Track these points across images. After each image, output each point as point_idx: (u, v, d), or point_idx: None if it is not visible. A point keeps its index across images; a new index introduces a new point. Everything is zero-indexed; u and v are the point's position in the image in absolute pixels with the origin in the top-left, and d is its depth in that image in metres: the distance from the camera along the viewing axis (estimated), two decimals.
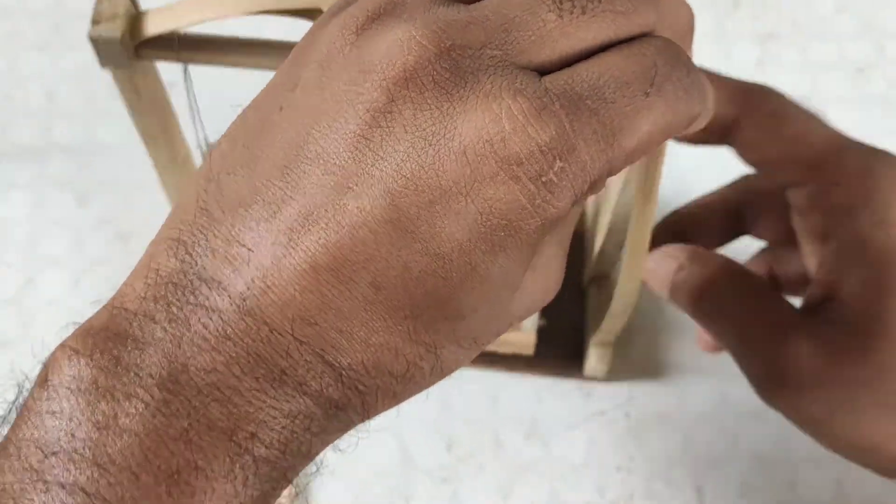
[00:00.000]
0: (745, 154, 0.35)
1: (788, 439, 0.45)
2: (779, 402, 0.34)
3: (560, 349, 0.46)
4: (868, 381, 0.32)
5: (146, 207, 0.51)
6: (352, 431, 0.24)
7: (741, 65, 0.56)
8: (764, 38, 0.57)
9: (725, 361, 0.37)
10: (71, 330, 0.23)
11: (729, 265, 0.36)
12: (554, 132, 0.20)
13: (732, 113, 0.34)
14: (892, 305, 0.32)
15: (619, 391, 0.46)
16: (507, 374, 0.46)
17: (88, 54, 0.55)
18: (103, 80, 0.55)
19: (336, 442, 0.24)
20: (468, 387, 0.46)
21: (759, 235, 0.40)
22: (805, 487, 0.44)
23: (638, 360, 0.47)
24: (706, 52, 0.56)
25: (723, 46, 0.57)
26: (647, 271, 0.37)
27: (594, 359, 0.45)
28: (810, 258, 0.35)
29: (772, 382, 0.34)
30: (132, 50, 0.34)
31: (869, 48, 0.57)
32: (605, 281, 0.45)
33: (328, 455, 0.45)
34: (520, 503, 0.44)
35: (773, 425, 0.45)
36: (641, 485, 0.44)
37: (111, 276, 0.49)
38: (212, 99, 0.40)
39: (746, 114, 0.34)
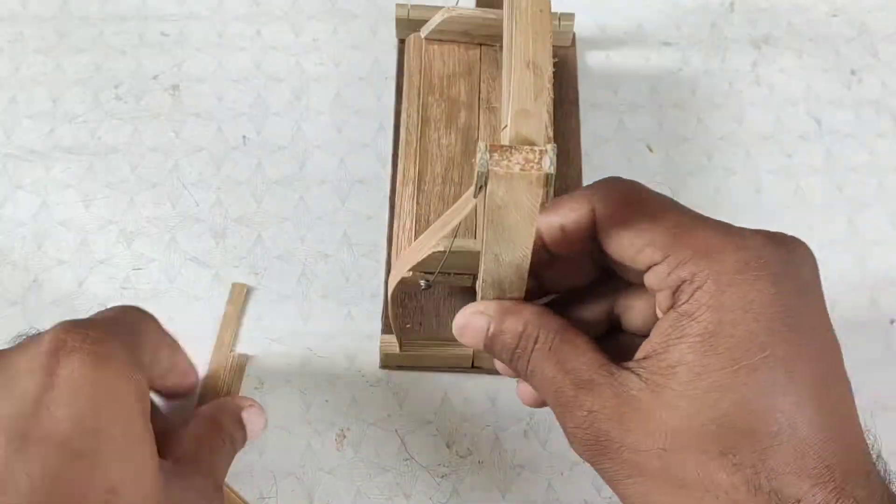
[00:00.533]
0: (610, 248, 0.35)
1: None
2: (583, 456, 0.35)
3: None
4: (658, 452, 0.32)
5: (151, 208, 0.51)
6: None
7: (737, 68, 0.57)
8: (759, 42, 0.58)
9: None
10: None
11: (541, 319, 0.36)
12: None
13: (587, 215, 0.35)
14: (701, 384, 0.32)
15: None
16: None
17: (92, 57, 0.56)
18: (107, 83, 0.56)
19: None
20: (468, 385, 0.47)
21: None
22: None
23: None
24: (702, 57, 0.57)
25: (718, 50, 0.58)
26: (458, 327, 0.37)
27: None
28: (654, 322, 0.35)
29: (576, 441, 0.34)
30: None
31: (863, 51, 0.58)
32: None
33: (329, 454, 0.46)
34: (518, 500, 0.44)
35: None
36: None
37: (116, 276, 0.49)
38: None
39: (602, 209, 0.35)
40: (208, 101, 0.55)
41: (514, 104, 0.30)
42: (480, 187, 0.30)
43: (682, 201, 0.35)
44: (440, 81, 0.50)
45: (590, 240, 0.36)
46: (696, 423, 0.31)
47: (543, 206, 0.32)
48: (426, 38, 0.51)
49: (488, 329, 0.36)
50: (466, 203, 0.32)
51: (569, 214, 0.35)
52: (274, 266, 0.50)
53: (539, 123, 0.30)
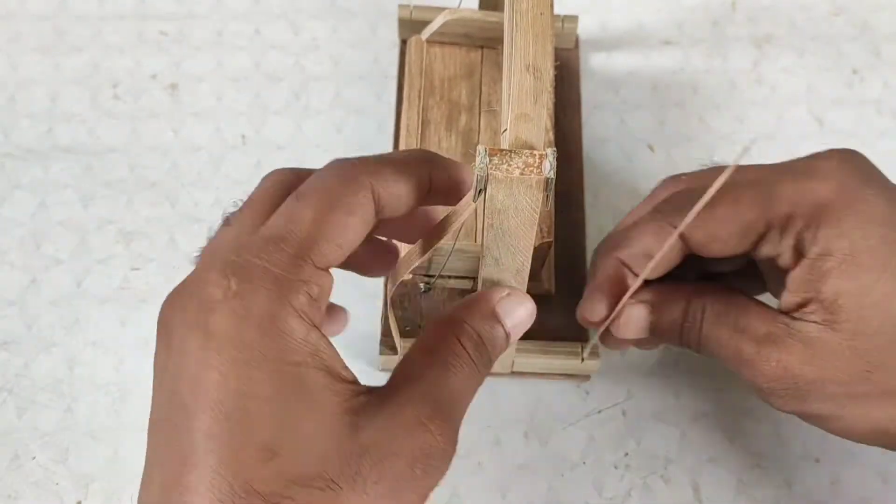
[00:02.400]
0: (705, 252, 0.37)
1: (784, 437, 0.45)
2: (786, 407, 0.37)
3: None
4: (863, 375, 0.34)
5: (149, 208, 0.51)
6: None
7: (738, 67, 0.57)
8: (761, 41, 0.58)
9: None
10: None
11: (699, 290, 0.38)
12: None
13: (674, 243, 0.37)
14: (867, 303, 0.34)
15: (617, 390, 0.47)
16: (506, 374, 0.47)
17: (90, 56, 0.56)
18: (105, 82, 0.55)
19: None
20: None
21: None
22: (801, 486, 0.44)
23: (635, 358, 0.47)
24: (703, 56, 0.57)
25: (720, 49, 0.57)
26: (619, 325, 0.39)
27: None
28: (779, 285, 0.37)
29: (775, 394, 0.36)
30: None
31: (864, 50, 0.57)
32: None
33: None
34: (518, 501, 0.44)
35: (769, 424, 0.46)
36: (639, 482, 0.45)
37: (114, 276, 0.49)
38: None
39: (692, 234, 0.37)
40: (207, 101, 0.55)
41: (514, 108, 0.29)
42: (480, 191, 0.30)
43: None
44: (441, 84, 0.50)
45: (679, 257, 0.38)
46: (884, 337, 0.34)
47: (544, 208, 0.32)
48: (427, 40, 0.51)
49: (650, 316, 0.39)
50: (466, 206, 0.32)
51: (652, 242, 0.37)
52: None
53: (539, 127, 0.29)
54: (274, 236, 0.30)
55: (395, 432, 0.29)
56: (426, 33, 0.51)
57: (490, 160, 0.29)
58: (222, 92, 0.55)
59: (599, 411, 0.46)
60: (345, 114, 0.55)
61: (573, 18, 0.54)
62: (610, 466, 0.45)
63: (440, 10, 0.51)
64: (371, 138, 0.54)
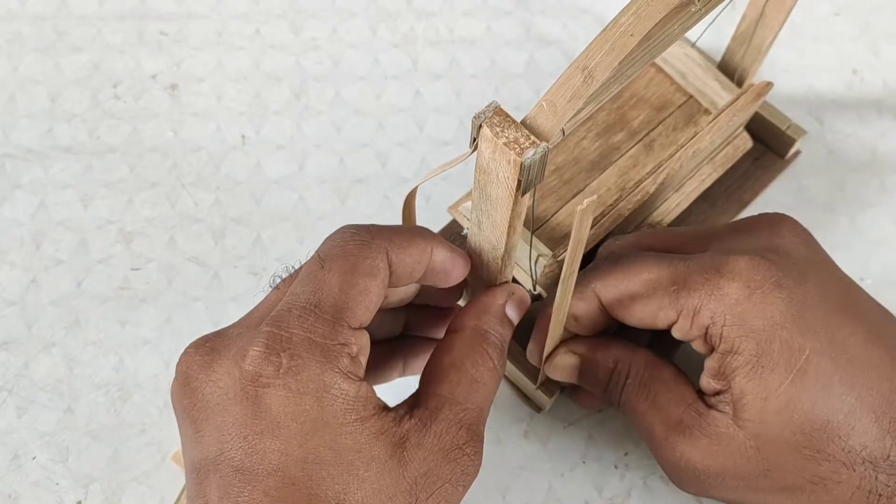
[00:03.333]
0: (628, 321, 0.39)
1: None
2: (688, 490, 0.39)
3: None
4: (763, 472, 0.36)
5: (149, 208, 0.51)
6: None
7: None
8: None
9: None
10: None
11: (629, 354, 0.40)
12: None
13: (593, 304, 0.39)
14: (769, 407, 0.35)
15: None
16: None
17: (90, 56, 0.56)
18: (105, 82, 0.55)
19: None
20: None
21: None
22: None
23: None
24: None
25: (721, 49, 0.57)
26: (550, 368, 0.41)
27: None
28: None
29: (676, 478, 0.39)
30: None
31: (865, 50, 0.57)
32: None
33: None
34: (518, 501, 0.44)
35: None
36: (639, 482, 0.45)
37: (114, 276, 0.49)
38: None
39: (605, 296, 0.39)
40: (207, 101, 0.55)
41: (550, 93, 0.30)
42: (474, 139, 0.30)
43: None
44: (630, 97, 0.48)
45: (604, 320, 0.39)
46: (784, 440, 0.35)
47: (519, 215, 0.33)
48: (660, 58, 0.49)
49: (578, 366, 0.40)
50: (466, 154, 0.32)
51: (578, 304, 0.39)
52: (273, 266, 0.50)
53: (557, 122, 0.30)
54: (309, 304, 0.32)
55: (440, 462, 0.32)
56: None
57: (492, 116, 0.30)
58: (222, 92, 0.55)
59: (599, 411, 0.46)
60: (345, 114, 0.55)
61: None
62: (610, 466, 0.45)
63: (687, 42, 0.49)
64: (371, 138, 0.54)
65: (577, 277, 0.36)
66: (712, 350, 0.37)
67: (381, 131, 0.54)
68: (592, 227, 0.39)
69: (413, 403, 0.34)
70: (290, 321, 0.31)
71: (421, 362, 0.39)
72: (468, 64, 0.57)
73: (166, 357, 0.47)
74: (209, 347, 0.32)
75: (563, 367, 0.41)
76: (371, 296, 0.33)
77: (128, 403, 0.46)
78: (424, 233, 0.36)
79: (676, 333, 0.38)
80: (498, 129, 0.30)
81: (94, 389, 0.46)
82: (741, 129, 0.51)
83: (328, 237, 0.34)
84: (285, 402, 0.31)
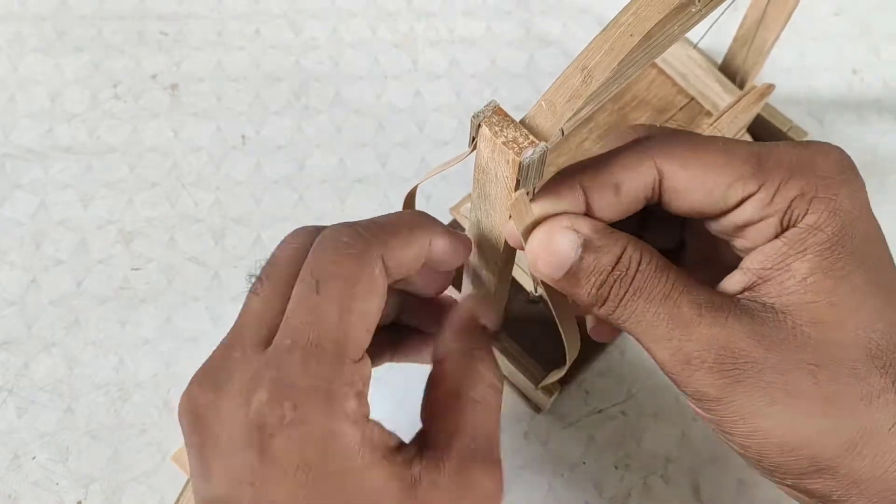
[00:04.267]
0: (688, 199, 0.33)
1: None
2: (709, 384, 0.31)
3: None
4: (808, 370, 0.30)
5: (149, 208, 0.51)
6: None
7: None
8: None
9: None
10: None
11: (639, 243, 0.32)
12: None
13: (648, 172, 0.32)
14: (840, 290, 0.31)
15: (617, 390, 0.47)
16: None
17: (90, 56, 0.56)
18: (106, 82, 0.55)
19: None
20: None
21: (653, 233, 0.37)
22: None
23: (635, 358, 0.47)
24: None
25: (722, 50, 0.57)
26: (537, 246, 0.32)
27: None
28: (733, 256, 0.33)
29: (705, 365, 0.31)
30: None
31: (865, 50, 0.57)
32: None
33: None
34: (518, 501, 0.44)
35: None
36: (639, 482, 0.45)
37: (114, 276, 0.49)
38: None
39: (668, 161, 0.32)
40: (207, 101, 0.55)
41: (549, 93, 0.30)
42: (473, 138, 0.30)
43: None
44: (632, 99, 0.48)
45: (644, 200, 0.33)
46: (844, 333, 0.30)
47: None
48: (663, 57, 0.49)
49: (576, 250, 0.32)
50: (464, 153, 0.32)
51: (624, 173, 0.32)
52: None
53: (555, 122, 0.30)
54: (310, 344, 0.31)
55: (459, 498, 0.31)
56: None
57: (491, 115, 0.29)
58: (222, 92, 0.55)
59: (599, 411, 0.46)
60: (345, 114, 0.55)
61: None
62: (610, 466, 0.45)
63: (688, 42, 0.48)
64: (371, 138, 0.54)
65: (622, 147, 0.33)
66: (778, 232, 0.31)
67: (381, 131, 0.54)
68: None
69: (421, 443, 0.32)
70: (292, 366, 0.30)
71: (407, 349, 0.38)
72: (468, 64, 0.57)
73: (166, 357, 0.47)
74: (211, 384, 0.32)
75: (560, 250, 0.32)
76: (370, 316, 0.31)
77: (128, 403, 0.46)
78: (423, 223, 0.33)
79: (745, 211, 0.32)
80: (497, 129, 0.29)
81: (94, 389, 0.46)
82: (743, 130, 0.51)
83: (318, 245, 0.32)
84: (290, 453, 0.30)
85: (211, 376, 0.32)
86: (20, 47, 0.56)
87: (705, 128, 0.45)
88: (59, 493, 0.44)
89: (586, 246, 0.32)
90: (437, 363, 0.34)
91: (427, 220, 0.34)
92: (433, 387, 0.34)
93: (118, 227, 0.51)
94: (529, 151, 0.29)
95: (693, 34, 0.37)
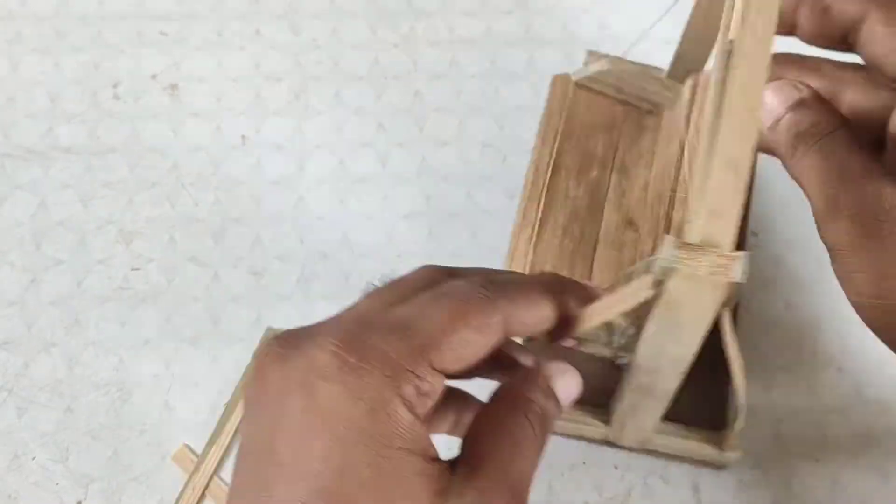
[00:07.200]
0: (872, 47, 0.34)
1: (784, 437, 0.45)
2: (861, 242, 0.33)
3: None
4: None
5: (149, 208, 0.51)
6: None
7: None
8: None
9: None
10: None
11: (839, 118, 0.35)
12: None
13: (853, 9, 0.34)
14: None
15: None
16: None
17: (90, 56, 0.56)
18: (105, 82, 0.55)
19: None
20: (468, 386, 0.47)
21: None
22: (800, 485, 0.44)
23: None
24: None
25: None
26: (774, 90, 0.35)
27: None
28: None
29: (857, 223, 0.33)
30: None
31: None
32: None
33: None
34: None
35: (768, 424, 0.46)
36: (639, 483, 0.45)
37: (114, 276, 0.49)
38: None
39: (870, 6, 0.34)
40: (207, 101, 0.55)
41: (708, 202, 0.29)
42: (661, 281, 0.29)
43: None
44: (580, 130, 0.48)
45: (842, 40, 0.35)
46: None
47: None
48: (576, 83, 0.49)
49: (793, 108, 0.35)
50: (638, 292, 0.31)
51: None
52: (273, 266, 0.50)
53: (731, 226, 0.29)
54: (402, 324, 0.30)
55: None
56: (579, 74, 0.49)
57: (678, 254, 0.29)
58: (222, 92, 0.55)
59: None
60: (345, 114, 0.55)
61: None
62: (610, 466, 0.45)
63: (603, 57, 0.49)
64: (371, 138, 0.54)
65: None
66: None
67: (381, 131, 0.54)
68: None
69: (455, 461, 0.32)
70: (374, 329, 0.30)
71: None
72: (468, 64, 0.57)
73: (166, 357, 0.47)
74: (290, 342, 0.31)
75: (786, 94, 0.35)
76: (469, 349, 0.31)
77: (128, 403, 0.46)
78: (557, 290, 0.34)
79: None
80: (692, 264, 0.29)
81: (94, 389, 0.46)
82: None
83: (453, 281, 0.33)
84: (338, 400, 0.29)
85: (292, 338, 0.31)
86: (20, 47, 0.56)
87: (651, 125, 0.45)
88: (58, 493, 0.44)
89: (801, 104, 0.35)
90: (493, 398, 0.34)
91: (566, 283, 0.34)
92: (481, 418, 0.33)
93: (118, 227, 0.51)
94: (738, 270, 0.29)
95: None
